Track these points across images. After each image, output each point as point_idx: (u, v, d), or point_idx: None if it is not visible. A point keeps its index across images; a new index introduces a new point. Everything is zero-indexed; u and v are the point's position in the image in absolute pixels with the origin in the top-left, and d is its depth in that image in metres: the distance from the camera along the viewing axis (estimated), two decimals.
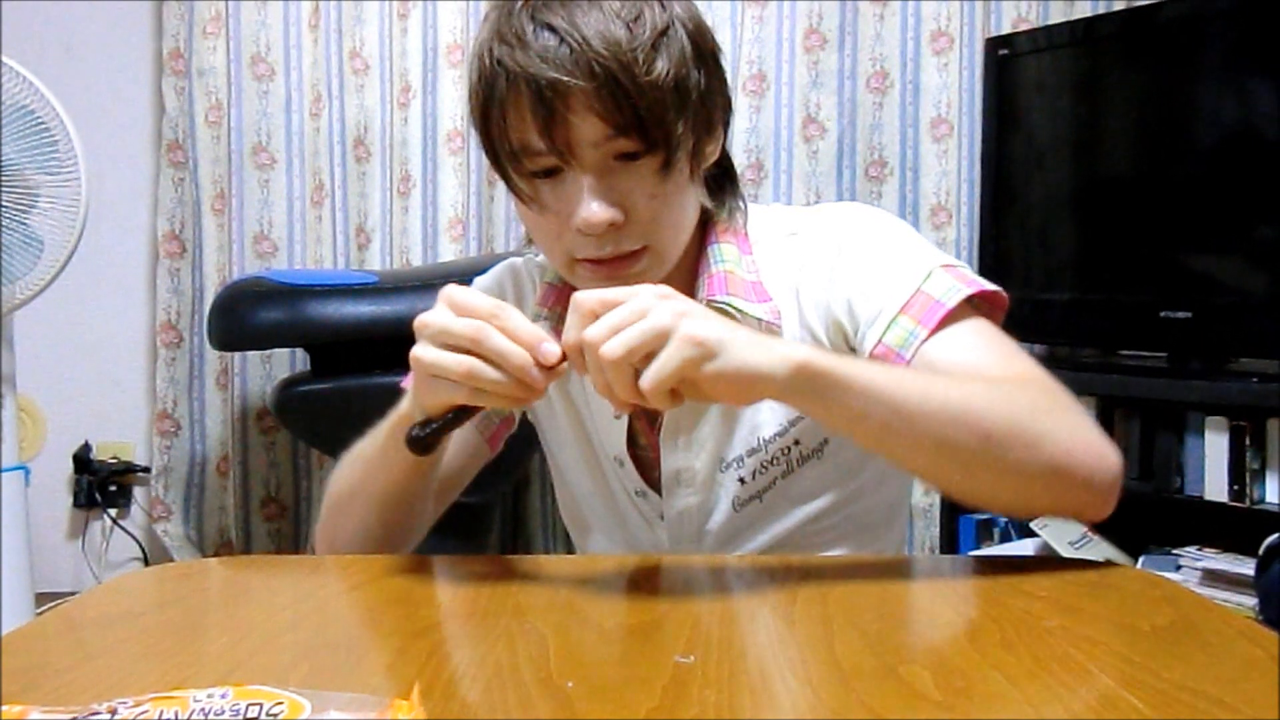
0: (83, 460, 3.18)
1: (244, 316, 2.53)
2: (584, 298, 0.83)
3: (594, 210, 0.96)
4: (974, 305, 1.01)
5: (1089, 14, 2.91)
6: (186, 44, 3.05)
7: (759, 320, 1.06)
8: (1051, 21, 2.93)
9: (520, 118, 0.95)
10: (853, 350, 1.04)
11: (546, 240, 1.03)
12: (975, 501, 0.93)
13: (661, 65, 0.94)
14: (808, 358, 0.83)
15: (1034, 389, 0.93)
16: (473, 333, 0.84)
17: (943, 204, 3.00)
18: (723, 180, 1.11)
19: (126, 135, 3.15)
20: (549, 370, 0.84)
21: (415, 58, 3.08)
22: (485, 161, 3.34)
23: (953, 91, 3.00)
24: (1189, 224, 2.53)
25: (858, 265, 1.04)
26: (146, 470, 3.17)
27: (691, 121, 0.98)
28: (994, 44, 2.86)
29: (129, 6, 3.14)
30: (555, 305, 1.12)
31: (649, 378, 0.79)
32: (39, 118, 2.43)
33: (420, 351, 0.86)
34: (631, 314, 0.80)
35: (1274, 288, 2.41)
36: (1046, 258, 2.86)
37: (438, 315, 0.86)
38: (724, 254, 1.09)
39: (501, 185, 3.10)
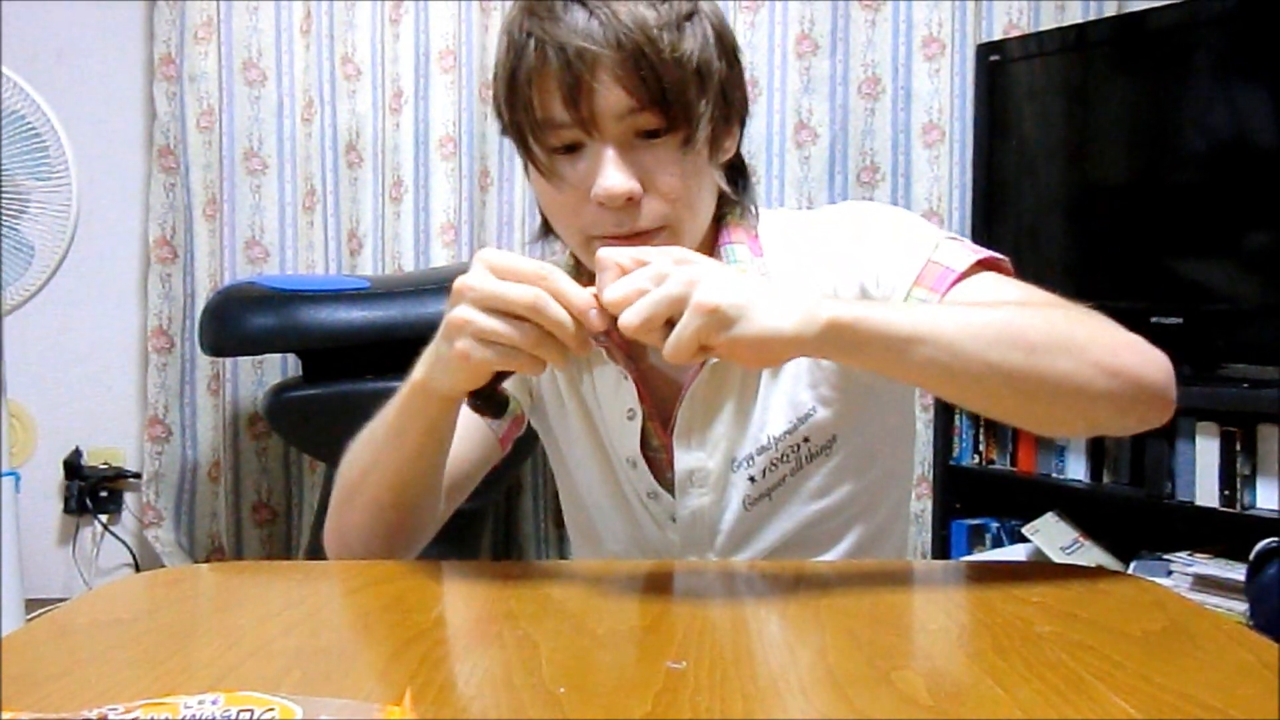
0: (73, 466, 3.17)
1: (235, 322, 2.52)
2: (610, 254, 0.84)
3: (614, 180, 0.96)
4: (986, 269, 1.03)
5: (1080, 20, 2.91)
6: (178, 49, 3.05)
7: None
8: (1043, 28, 2.94)
9: (546, 88, 0.96)
10: None
11: (563, 218, 1.03)
12: (1039, 422, 0.95)
13: (687, 45, 0.96)
14: (834, 313, 0.83)
15: (1064, 306, 0.94)
16: (530, 300, 0.83)
17: (934, 209, 3.01)
18: (737, 179, 1.12)
19: (118, 141, 3.15)
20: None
21: (407, 63, 3.09)
22: (477, 167, 3.33)
23: (944, 97, 3.01)
24: (1180, 230, 2.54)
25: (867, 251, 1.06)
26: (137, 476, 3.17)
27: (712, 106, 0.99)
28: (985, 50, 2.87)
29: (120, 12, 3.14)
30: None
31: (667, 349, 0.81)
32: (30, 123, 2.43)
33: (466, 314, 0.85)
34: (648, 279, 0.81)
35: (1265, 294, 2.42)
36: (1037, 263, 2.86)
37: (482, 279, 0.85)
38: (736, 254, 1.10)
39: (494, 190, 3.10)
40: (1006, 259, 1.05)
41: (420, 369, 0.96)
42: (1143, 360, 0.91)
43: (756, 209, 1.14)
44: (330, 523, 1.11)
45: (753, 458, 1.10)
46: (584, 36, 0.94)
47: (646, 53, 0.94)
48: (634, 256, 0.84)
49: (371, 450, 1.05)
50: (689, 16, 0.98)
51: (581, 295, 0.83)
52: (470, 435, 1.14)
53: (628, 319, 0.80)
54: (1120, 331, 0.93)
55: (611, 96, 0.95)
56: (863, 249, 1.06)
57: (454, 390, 0.92)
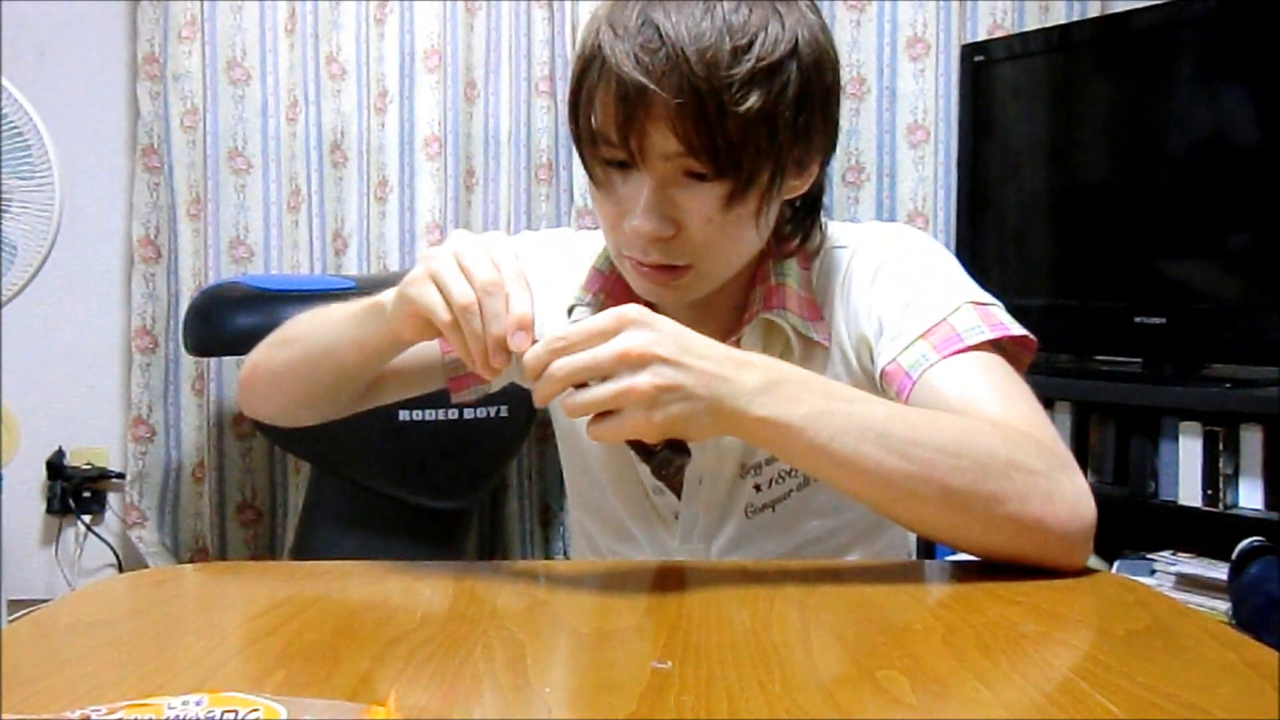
0: (56, 466, 3.15)
1: (220, 322, 2.51)
2: (561, 335, 0.84)
3: (645, 222, 0.96)
4: (999, 347, 1.01)
5: (1063, 20, 2.92)
6: (161, 48, 3.03)
7: (812, 340, 1.07)
8: (1026, 28, 2.94)
9: (604, 108, 0.95)
10: (874, 364, 1.05)
11: (606, 225, 1.04)
12: (934, 540, 0.94)
13: (755, 99, 0.92)
14: (767, 415, 0.84)
15: (1015, 439, 0.90)
16: (460, 307, 0.86)
17: (919, 210, 3.01)
18: (807, 210, 1.09)
19: (101, 140, 3.13)
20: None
21: (392, 63, 3.08)
22: (462, 167, 3.33)
23: (929, 97, 3.02)
24: (1163, 230, 2.55)
25: (893, 287, 1.05)
26: (121, 476, 3.15)
27: (774, 159, 0.96)
28: (970, 50, 2.88)
29: (103, 10, 3.12)
30: (599, 293, 1.11)
31: (595, 432, 0.83)
32: (12, 122, 2.41)
33: (415, 291, 0.89)
34: (594, 366, 0.81)
35: (1247, 294, 2.43)
36: (1022, 263, 2.87)
37: (444, 264, 0.88)
38: (786, 268, 1.09)
39: (479, 190, 3.11)
40: (1028, 334, 1.03)
41: (385, 295, 0.99)
42: (1065, 517, 0.88)
43: (824, 233, 1.12)
44: (256, 356, 1.16)
45: (761, 466, 1.10)
46: (645, 70, 0.91)
47: (706, 103, 0.90)
48: (591, 330, 0.83)
49: (317, 327, 1.11)
50: (776, 66, 0.93)
51: (500, 327, 0.85)
52: (417, 346, 1.13)
53: (570, 405, 0.82)
54: (1054, 480, 0.89)
55: (660, 137, 0.93)
56: (889, 286, 1.06)
57: (395, 326, 0.96)
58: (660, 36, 0.91)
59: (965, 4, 3.01)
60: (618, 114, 0.94)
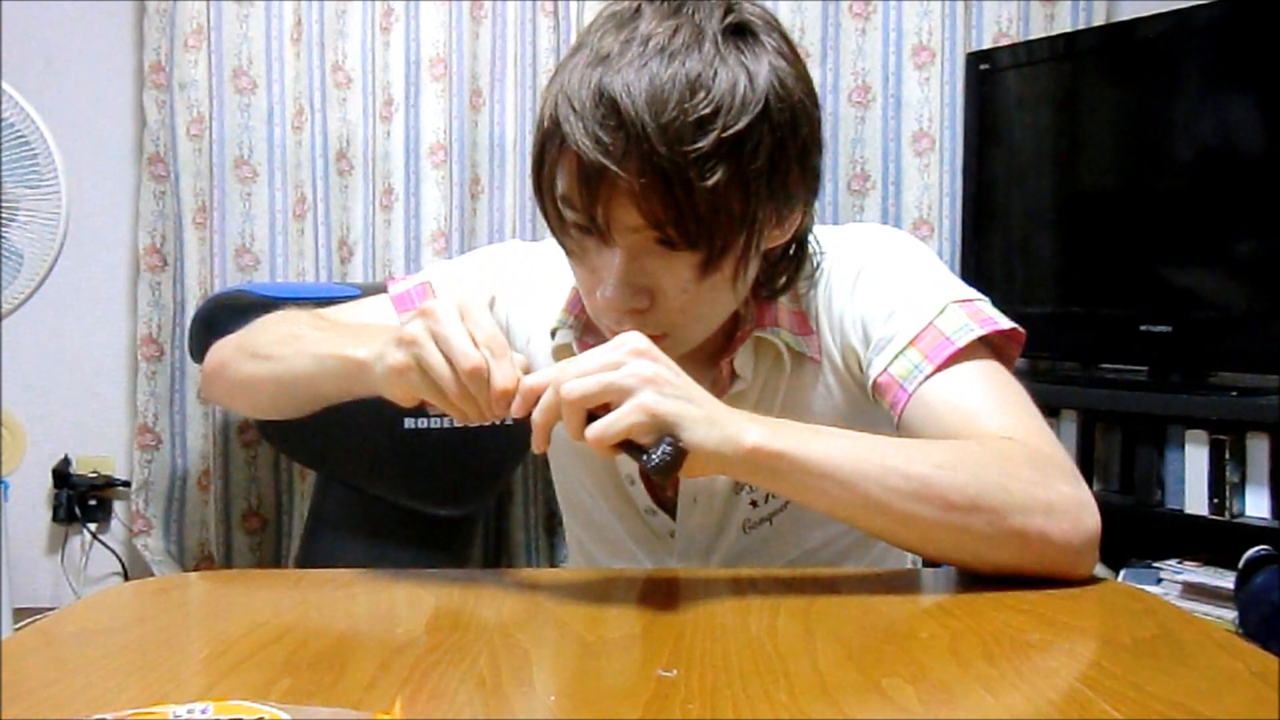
0: (62, 474, 3.16)
1: (226, 330, 2.49)
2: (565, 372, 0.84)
3: (616, 295, 0.93)
4: (988, 343, 1.00)
5: (1069, 29, 2.92)
6: (168, 57, 3.04)
7: (803, 355, 1.06)
8: (1032, 37, 2.94)
9: (566, 182, 0.92)
10: (864, 374, 1.04)
11: (582, 290, 1.02)
12: (938, 561, 0.92)
13: (722, 172, 0.87)
14: (760, 442, 0.84)
15: (1012, 451, 0.90)
16: (453, 394, 0.86)
17: (924, 218, 3.01)
18: (793, 251, 1.05)
19: (107, 148, 3.14)
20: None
21: (398, 71, 3.09)
22: (468, 175, 3.31)
23: (934, 105, 3.02)
24: (1169, 238, 2.55)
25: (875, 292, 1.04)
26: (127, 484, 3.15)
27: (748, 225, 0.92)
28: (975, 58, 2.88)
29: (110, 19, 3.13)
30: (580, 314, 1.09)
31: (593, 431, 0.81)
32: (19, 131, 2.42)
33: (410, 380, 0.88)
34: (604, 363, 0.82)
35: (1253, 302, 2.42)
36: (1028, 271, 2.87)
37: (427, 351, 0.86)
38: (774, 284, 1.07)
39: (484, 198, 3.10)
40: (1016, 326, 1.02)
41: (362, 349, 0.97)
42: (1069, 528, 0.87)
43: (816, 264, 1.08)
44: (223, 355, 1.18)
45: None
46: (605, 151, 0.86)
47: (670, 181, 0.86)
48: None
49: (290, 353, 1.09)
50: (744, 133, 0.87)
51: (500, 387, 0.85)
52: None
53: (570, 390, 0.81)
54: (1056, 490, 0.89)
55: (626, 215, 0.89)
56: (871, 291, 1.04)
57: (384, 392, 0.94)
58: (618, 112, 0.86)
59: (970, 11, 3.01)
60: (581, 193, 0.90)
